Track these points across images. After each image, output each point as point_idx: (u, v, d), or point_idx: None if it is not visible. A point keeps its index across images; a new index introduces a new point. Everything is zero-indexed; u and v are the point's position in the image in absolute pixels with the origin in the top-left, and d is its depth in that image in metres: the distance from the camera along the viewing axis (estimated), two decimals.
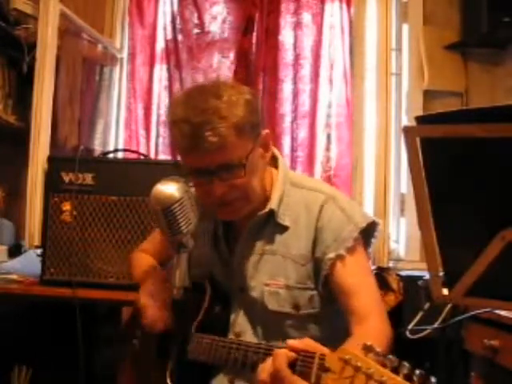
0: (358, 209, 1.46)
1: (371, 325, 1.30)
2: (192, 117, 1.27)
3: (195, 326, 1.40)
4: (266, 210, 1.41)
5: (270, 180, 1.46)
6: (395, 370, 0.91)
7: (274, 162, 1.49)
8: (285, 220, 1.41)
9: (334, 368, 0.98)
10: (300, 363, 1.05)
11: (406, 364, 0.91)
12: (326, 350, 1.03)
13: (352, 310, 1.33)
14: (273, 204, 1.41)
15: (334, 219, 1.38)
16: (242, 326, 1.43)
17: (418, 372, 0.89)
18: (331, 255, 1.35)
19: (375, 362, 0.93)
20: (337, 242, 1.36)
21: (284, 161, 1.52)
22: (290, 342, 1.09)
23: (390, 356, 0.93)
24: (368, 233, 1.42)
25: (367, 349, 0.95)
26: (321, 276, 1.38)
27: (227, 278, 1.48)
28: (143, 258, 1.65)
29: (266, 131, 1.40)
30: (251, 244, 1.44)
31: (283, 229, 1.42)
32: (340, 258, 1.35)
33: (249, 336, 1.41)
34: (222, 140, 1.27)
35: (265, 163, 1.43)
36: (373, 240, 1.44)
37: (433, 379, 0.88)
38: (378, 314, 1.32)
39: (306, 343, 1.07)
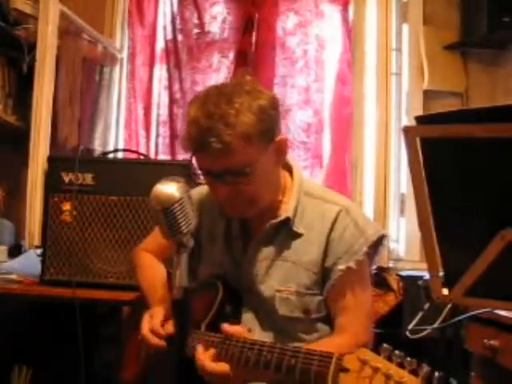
0: (371, 222, 1.48)
1: (343, 340, 1.37)
2: (200, 120, 1.29)
3: (205, 324, 1.40)
4: (282, 217, 1.43)
5: (283, 187, 1.47)
6: (414, 372, 0.92)
7: (287, 168, 1.50)
8: (299, 228, 1.43)
9: (352, 368, 0.99)
10: (317, 363, 1.08)
11: (425, 366, 0.92)
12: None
13: (337, 323, 1.42)
14: (289, 212, 1.43)
15: (346, 232, 1.40)
16: (251, 327, 1.44)
17: (436, 374, 0.90)
18: (341, 267, 1.39)
19: (394, 363, 0.94)
20: (348, 254, 1.39)
21: (299, 169, 1.53)
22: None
23: (409, 358, 0.94)
24: (377, 243, 1.44)
25: (386, 350, 0.96)
26: (327, 284, 1.41)
27: (237, 277, 1.49)
28: (152, 270, 1.63)
29: (281, 137, 1.39)
30: (263, 249, 1.46)
31: (296, 236, 1.44)
32: (349, 270, 1.39)
33: (258, 336, 1.41)
34: (226, 147, 1.28)
35: (278, 169, 1.45)
36: (380, 248, 1.46)
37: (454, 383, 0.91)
38: (354, 336, 1.38)
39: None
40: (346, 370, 1.00)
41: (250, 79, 1.43)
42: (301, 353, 1.15)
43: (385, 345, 0.97)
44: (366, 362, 0.97)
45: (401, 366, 0.95)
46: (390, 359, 0.97)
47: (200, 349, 1.29)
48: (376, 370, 0.95)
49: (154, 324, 1.40)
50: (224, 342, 1.29)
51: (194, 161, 1.41)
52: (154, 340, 1.38)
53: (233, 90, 1.34)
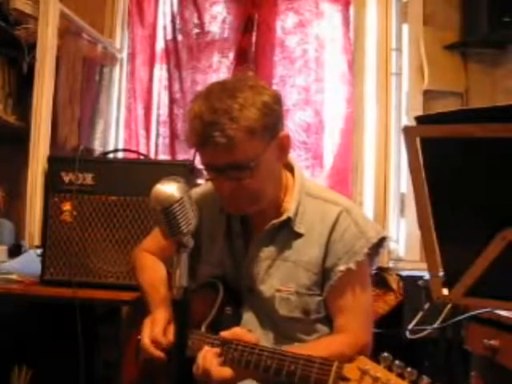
0: (372, 223, 1.48)
1: (344, 339, 1.38)
2: (205, 115, 1.29)
3: (206, 325, 1.40)
4: (284, 217, 1.43)
5: (284, 186, 1.47)
6: (414, 383, 0.92)
7: (289, 168, 1.50)
8: (300, 228, 1.43)
9: (352, 377, 0.99)
10: (317, 370, 1.08)
11: (425, 378, 0.92)
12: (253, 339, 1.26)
13: (337, 324, 1.42)
14: (290, 212, 1.43)
15: (347, 232, 1.40)
16: (251, 327, 1.44)
17: None
18: (341, 268, 1.39)
19: (394, 373, 0.94)
20: (348, 255, 1.39)
21: (300, 169, 1.53)
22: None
23: (409, 369, 0.93)
24: (377, 245, 1.44)
25: (386, 360, 0.96)
26: (327, 285, 1.41)
27: (237, 277, 1.49)
28: (153, 270, 1.62)
29: (284, 133, 1.39)
30: (264, 249, 1.46)
31: (297, 236, 1.44)
32: (349, 271, 1.39)
33: (258, 337, 1.42)
34: (230, 141, 1.28)
35: (280, 166, 1.45)
36: (381, 250, 1.46)
37: None
38: (354, 336, 1.39)
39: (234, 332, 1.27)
40: (346, 379, 1.00)
41: (252, 75, 1.43)
42: (301, 359, 1.15)
43: (385, 354, 0.97)
44: (366, 371, 0.97)
45: (401, 376, 0.95)
46: (390, 369, 0.96)
47: (204, 352, 1.29)
48: (376, 379, 0.95)
49: (156, 333, 1.39)
50: (224, 345, 1.29)
51: (196, 159, 1.40)
52: (155, 352, 1.38)
53: (236, 85, 1.34)
